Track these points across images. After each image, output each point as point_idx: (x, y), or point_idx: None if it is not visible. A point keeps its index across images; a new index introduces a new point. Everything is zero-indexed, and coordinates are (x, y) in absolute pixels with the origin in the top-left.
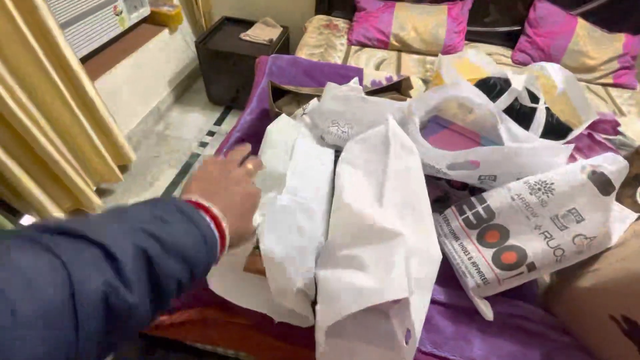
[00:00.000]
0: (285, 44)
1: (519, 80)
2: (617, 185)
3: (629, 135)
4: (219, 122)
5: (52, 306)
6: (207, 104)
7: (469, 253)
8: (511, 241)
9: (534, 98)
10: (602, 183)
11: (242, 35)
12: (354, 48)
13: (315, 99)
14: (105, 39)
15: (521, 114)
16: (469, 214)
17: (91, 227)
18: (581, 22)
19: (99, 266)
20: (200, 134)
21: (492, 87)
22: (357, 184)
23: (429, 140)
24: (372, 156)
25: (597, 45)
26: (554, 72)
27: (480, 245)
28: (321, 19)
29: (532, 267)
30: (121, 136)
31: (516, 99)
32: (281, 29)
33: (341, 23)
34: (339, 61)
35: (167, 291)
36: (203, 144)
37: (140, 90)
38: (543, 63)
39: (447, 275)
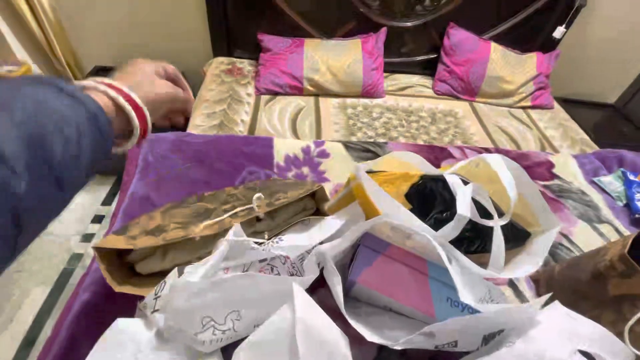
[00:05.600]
0: None
1: (464, 198)
2: None
3: (563, 176)
4: (108, 201)
5: None
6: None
7: None
8: None
9: (484, 210)
10: None
11: None
12: (264, 98)
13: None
14: None
15: (472, 233)
16: None
17: None
18: (494, 46)
19: None
20: (83, 223)
21: (430, 196)
22: None
23: (362, 276)
24: None
25: (512, 68)
26: (499, 169)
27: None
28: (221, 62)
29: None
30: None
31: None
32: None
33: (246, 66)
34: (248, 118)
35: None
36: (87, 237)
37: None
38: (483, 155)
39: None
